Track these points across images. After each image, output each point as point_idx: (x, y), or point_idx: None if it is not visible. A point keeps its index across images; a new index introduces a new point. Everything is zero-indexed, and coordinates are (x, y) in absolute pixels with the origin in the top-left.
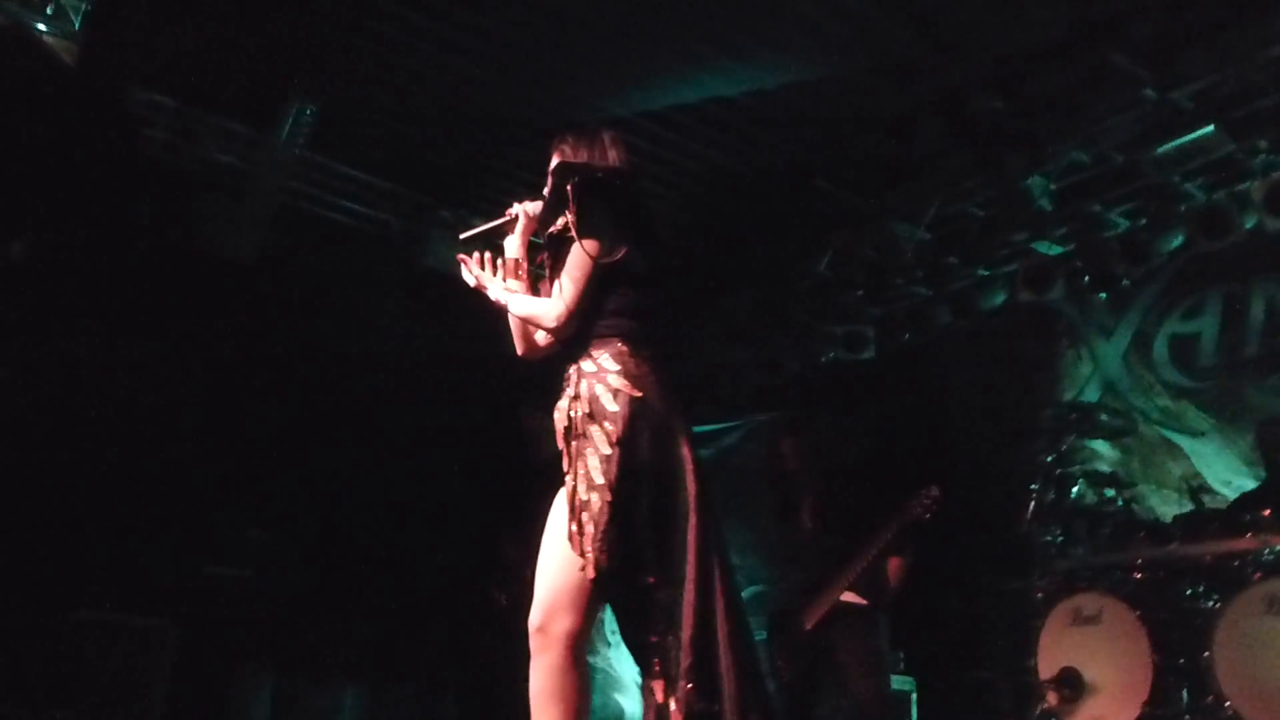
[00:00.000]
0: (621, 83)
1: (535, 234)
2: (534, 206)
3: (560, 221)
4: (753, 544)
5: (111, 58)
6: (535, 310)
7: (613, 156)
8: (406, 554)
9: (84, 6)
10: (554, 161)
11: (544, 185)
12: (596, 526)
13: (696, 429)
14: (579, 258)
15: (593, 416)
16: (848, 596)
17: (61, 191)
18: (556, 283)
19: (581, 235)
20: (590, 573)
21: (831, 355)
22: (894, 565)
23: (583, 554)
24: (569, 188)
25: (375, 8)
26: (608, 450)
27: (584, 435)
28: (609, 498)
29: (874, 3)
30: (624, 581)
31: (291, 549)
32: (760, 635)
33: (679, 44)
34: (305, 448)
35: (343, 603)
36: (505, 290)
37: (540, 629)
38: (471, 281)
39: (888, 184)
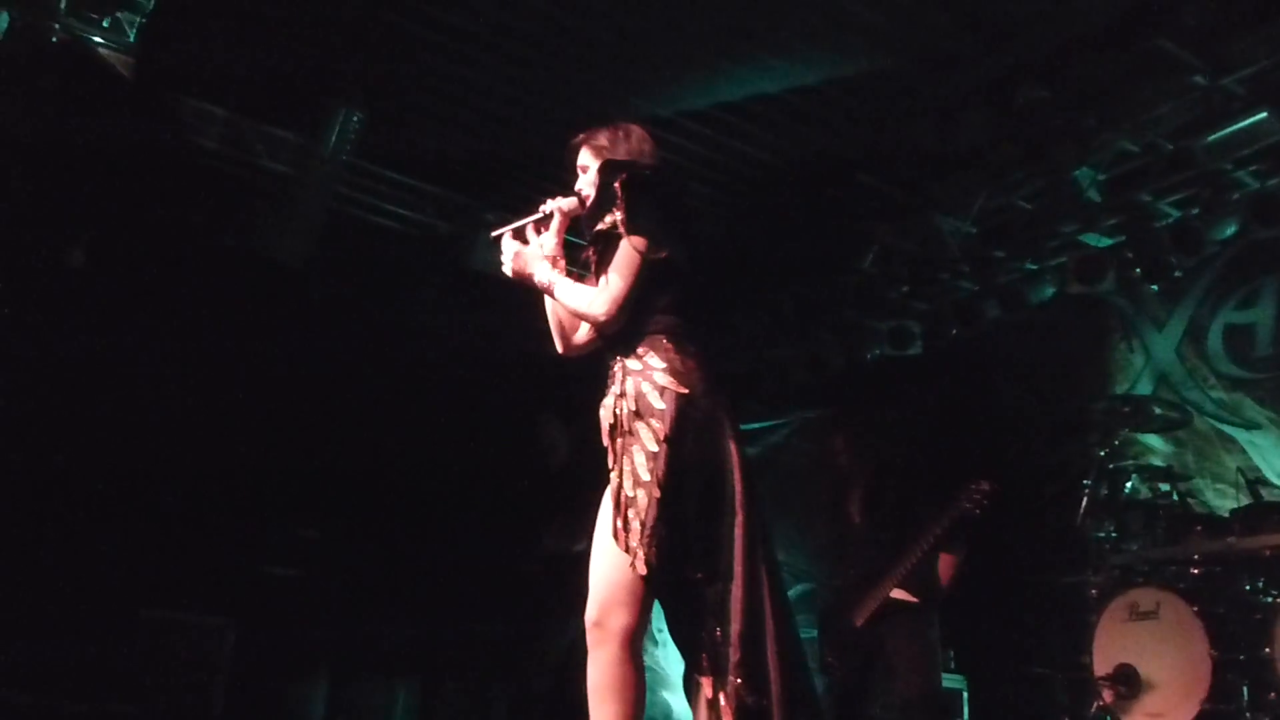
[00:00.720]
0: (664, 81)
1: (575, 232)
2: (568, 203)
3: (607, 219)
4: (801, 541)
5: (165, 69)
6: (582, 298)
7: (647, 152)
8: (458, 551)
9: (139, 20)
10: (584, 155)
11: (573, 181)
12: (644, 522)
13: (743, 427)
14: (628, 254)
15: (639, 414)
16: (898, 593)
17: (118, 199)
18: (603, 278)
19: (630, 232)
20: (641, 569)
21: (877, 351)
22: (945, 562)
23: (629, 549)
24: (617, 185)
25: (419, 13)
26: (654, 447)
27: (630, 432)
28: (656, 494)
29: None
30: (673, 577)
31: (345, 548)
32: (809, 632)
33: (721, 41)
34: (357, 448)
35: (396, 601)
36: (553, 271)
37: (597, 624)
38: (509, 266)
39: (932, 177)
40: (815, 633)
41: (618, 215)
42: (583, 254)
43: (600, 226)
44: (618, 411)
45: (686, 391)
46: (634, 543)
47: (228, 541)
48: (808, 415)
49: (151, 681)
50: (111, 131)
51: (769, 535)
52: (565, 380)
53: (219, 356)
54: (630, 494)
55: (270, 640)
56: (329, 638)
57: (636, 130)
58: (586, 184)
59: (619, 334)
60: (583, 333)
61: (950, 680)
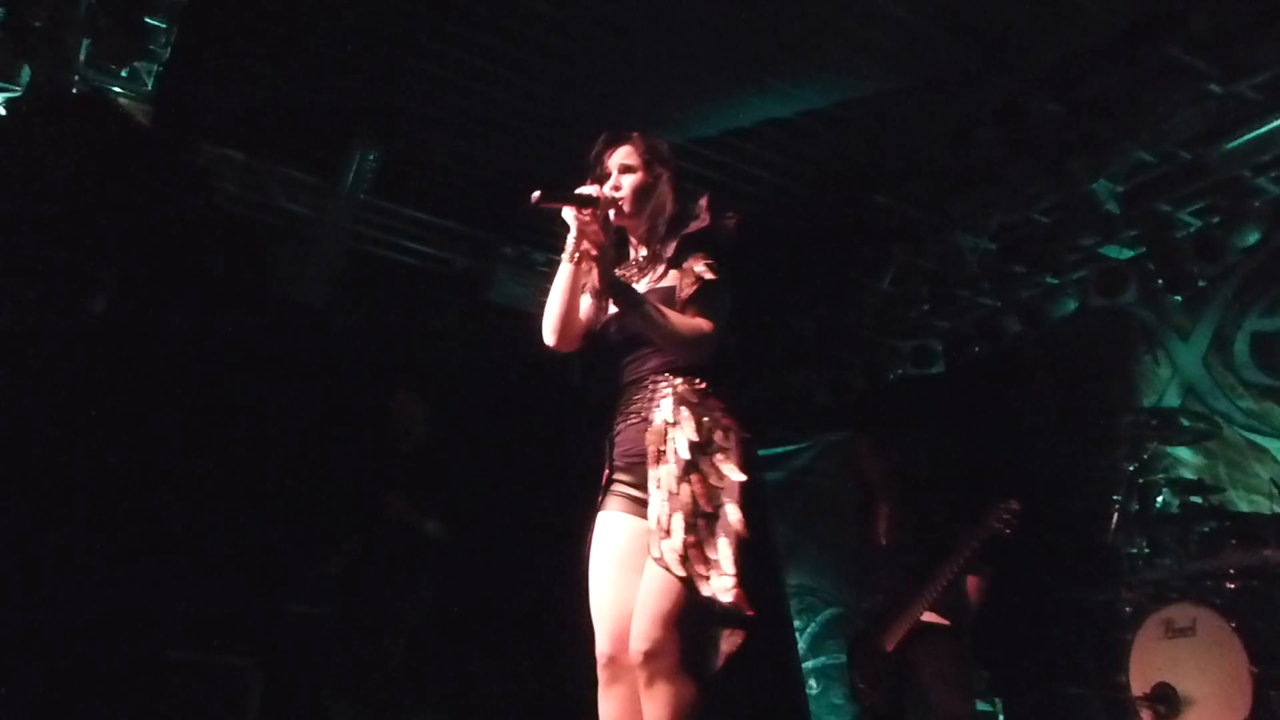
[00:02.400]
0: (679, 109)
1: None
2: (612, 197)
3: (710, 259)
4: (827, 565)
5: (183, 116)
6: (693, 332)
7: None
8: (484, 588)
9: (156, 69)
10: (627, 154)
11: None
12: (723, 555)
13: (767, 451)
14: (725, 293)
15: (702, 447)
16: (928, 616)
17: (139, 246)
18: (705, 315)
19: (731, 273)
20: (726, 597)
21: (899, 372)
22: (973, 583)
23: (691, 574)
24: (731, 224)
25: (433, 52)
26: (720, 482)
27: (692, 464)
28: (740, 530)
29: (925, 13)
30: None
31: (371, 584)
32: (839, 659)
33: (735, 67)
34: (380, 484)
35: (423, 639)
36: (629, 288)
37: (650, 655)
38: (593, 237)
39: (949, 195)
40: (845, 658)
41: (720, 253)
42: (655, 274)
43: (700, 268)
44: (671, 437)
45: (748, 436)
46: (700, 570)
47: (254, 581)
48: (832, 438)
49: None
50: (131, 179)
51: None
52: (585, 411)
53: (240, 396)
54: (689, 520)
55: (298, 681)
56: (356, 677)
57: (666, 143)
58: (628, 186)
59: (668, 355)
60: (579, 328)
61: (984, 704)
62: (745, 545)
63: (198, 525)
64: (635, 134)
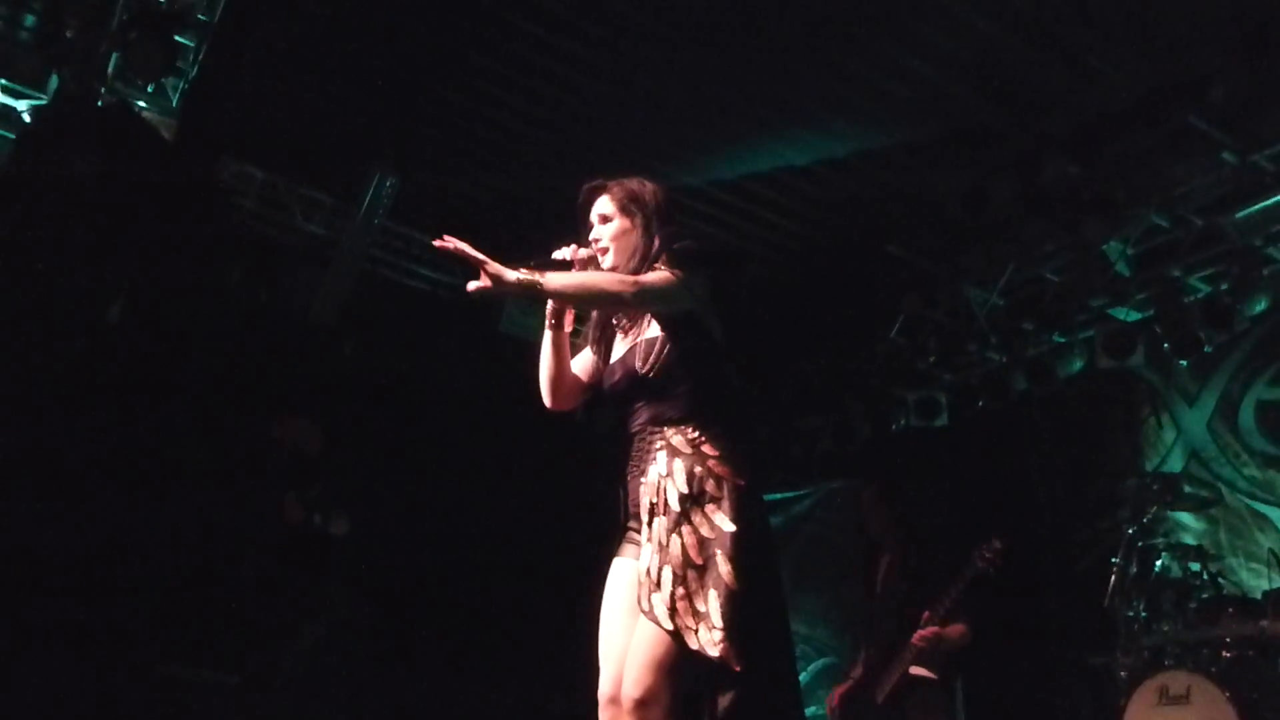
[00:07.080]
0: (696, 154)
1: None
2: (586, 253)
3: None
4: (824, 614)
5: (206, 132)
6: (608, 282)
7: (665, 206)
8: (483, 614)
9: (182, 85)
10: (604, 204)
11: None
12: (710, 606)
13: (768, 497)
14: (678, 286)
15: (694, 498)
16: (917, 670)
17: (157, 258)
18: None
19: (688, 276)
20: (713, 651)
21: (903, 422)
22: (953, 631)
23: (679, 628)
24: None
25: (454, 80)
26: (710, 533)
27: (683, 515)
28: (729, 582)
29: (948, 68)
30: (742, 661)
31: (365, 606)
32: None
33: (752, 115)
34: (381, 509)
35: (416, 661)
36: (529, 280)
37: (641, 702)
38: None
39: (961, 249)
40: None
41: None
42: (638, 324)
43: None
44: (663, 490)
45: (743, 483)
46: (689, 622)
47: (244, 597)
48: (832, 485)
49: None
50: (153, 192)
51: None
52: (597, 443)
53: (248, 414)
54: (679, 573)
55: (287, 701)
56: (346, 696)
57: (650, 185)
58: (607, 235)
59: (660, 407)
60: (574, 387)
61: None
62: (735, 597)
63: (194, 538)
64: (609, 183)
